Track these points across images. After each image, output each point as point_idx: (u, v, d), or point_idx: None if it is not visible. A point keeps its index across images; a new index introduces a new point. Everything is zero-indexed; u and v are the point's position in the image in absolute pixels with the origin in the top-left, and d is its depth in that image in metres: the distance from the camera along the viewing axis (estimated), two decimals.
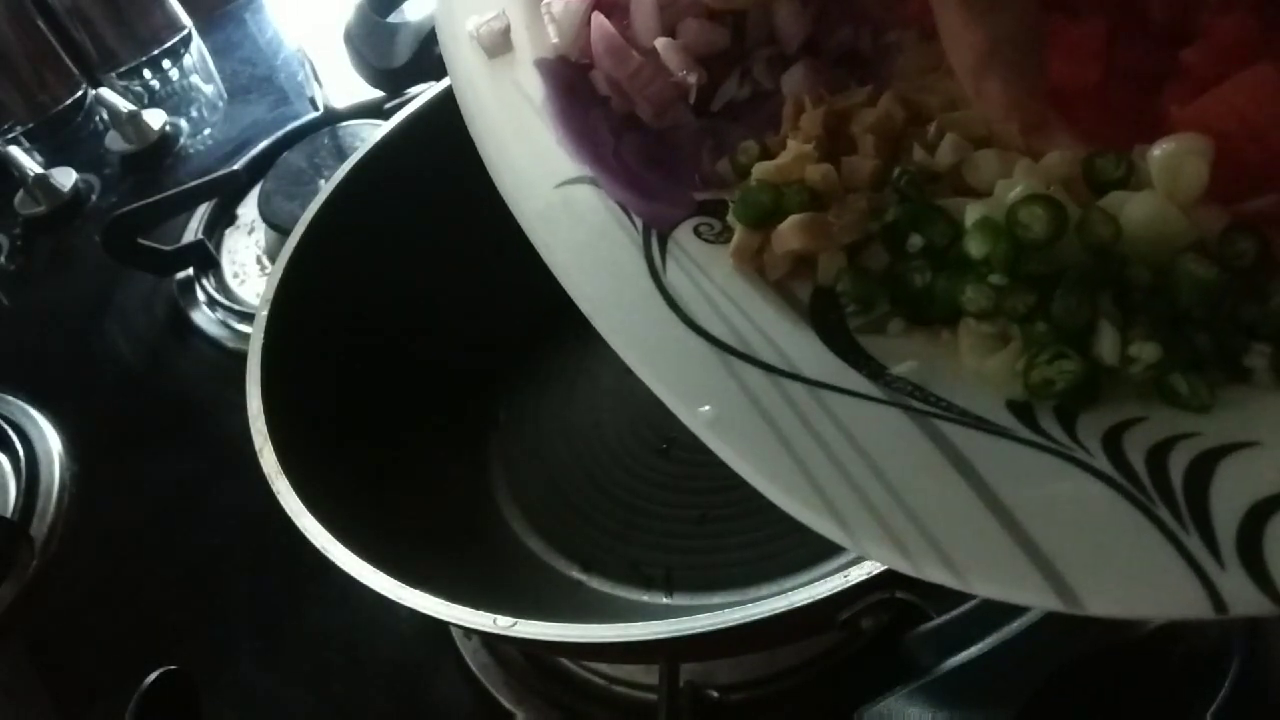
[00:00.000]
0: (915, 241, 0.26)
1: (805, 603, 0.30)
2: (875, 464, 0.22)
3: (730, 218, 0.28)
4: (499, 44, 0.34)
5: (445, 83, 0.55)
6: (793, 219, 0.26)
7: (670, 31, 0.32)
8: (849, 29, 0.31)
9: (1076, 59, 0.26)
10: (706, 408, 0.24)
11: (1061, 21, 0.27)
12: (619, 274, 0.27)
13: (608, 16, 0.32)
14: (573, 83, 0.32)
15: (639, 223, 0.28)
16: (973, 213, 0.24)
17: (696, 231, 0.29)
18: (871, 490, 0.21)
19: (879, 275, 0.26)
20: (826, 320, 0.26)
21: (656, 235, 0.28)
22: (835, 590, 0.30)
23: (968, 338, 0.24)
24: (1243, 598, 0.18)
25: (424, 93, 0.55)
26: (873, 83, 0.30)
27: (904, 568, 0.20)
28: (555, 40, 0.33)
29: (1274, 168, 0.23)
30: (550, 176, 0.30)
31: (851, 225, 0.26)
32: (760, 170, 0.28)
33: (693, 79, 0.31)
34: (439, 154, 0.54)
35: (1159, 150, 0.23)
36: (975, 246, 0.24)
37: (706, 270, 0.27)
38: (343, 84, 0.81)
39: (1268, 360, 0.22)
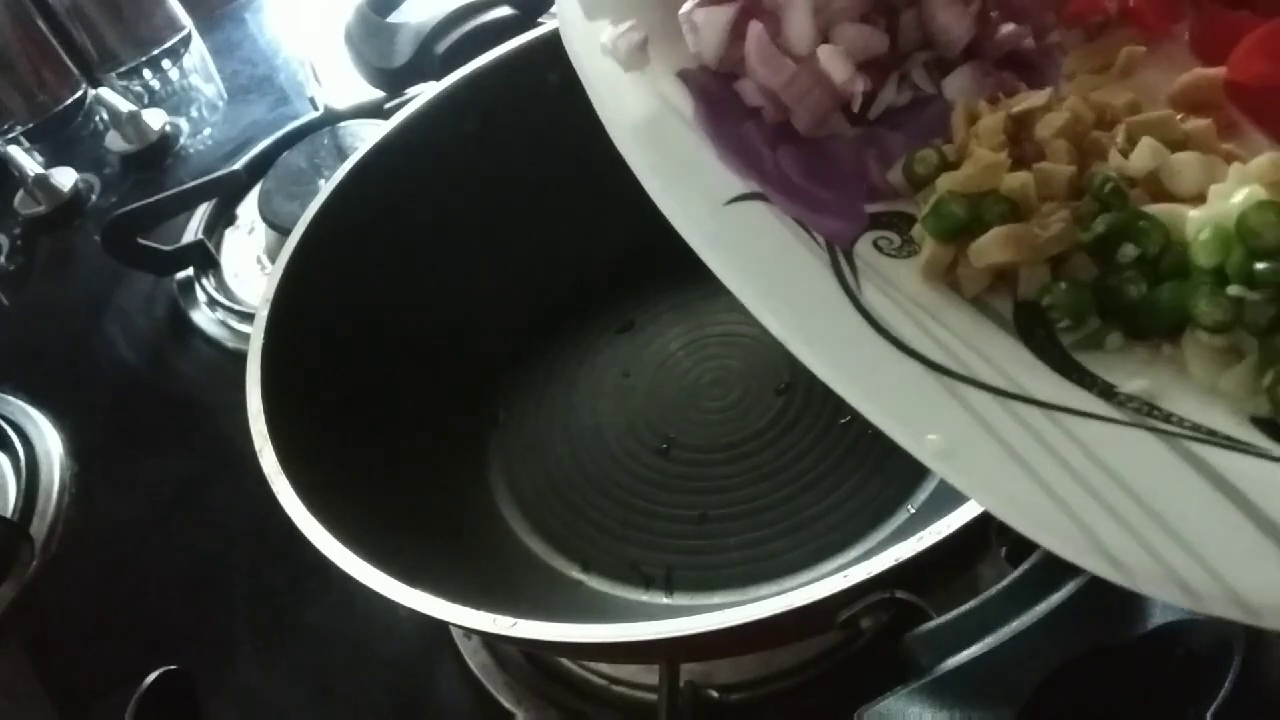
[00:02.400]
0: (1127, 251, 0.24)
1: (805, 603, 0.30)
2: (1134, 492, 0.20)
3: (917, 231, 0.27)
4: (637, 57, 0.32)
5: (445, 83, 0.55)
6: (996, 231, 0.25)
7: (824, 38, 0.30)
8: (1011, 29, 0.30)
9: (1265, 56, 0.25)
10: (935, 437, 0.22)
11: (1242, 18, 0.26)
12: (811, 294, 0.25)
13: (760, 22, 0.30)
14: (720, 94, 0.31)
15: (820, 239, 0.27)
16: (1196, 220, 0.23)
17: (876, 246, 0.27)
18: (1139, 523, 0.20)
19: (1090, 287, 0.25)
20: (1035, 337, 0.24)
21: (842, 252, 0.27)
22: (835, 590, 0.30)
23: (1197, 352, 0.23)
24: None
25: (424, 93, 0.55)
26: (1041, 85, 0.28)
27: (1193, 607, 0.19)
28: (697, 50, 0.31)
29: None
30: (716, 194, 0.28)
31: (1060, 236, 0.25)
32: (949, 181, 0.26)
33: (859, 86, 0.30)
34: (439, 154, 0.54)
35: None
36: (1205, 256, 0.23)
37: (898, 286, 0.26)
38: (343, 84, 0.81)
39: None
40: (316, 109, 0.83)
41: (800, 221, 0.27)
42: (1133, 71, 0.28)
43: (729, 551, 0.46)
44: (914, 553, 0.30)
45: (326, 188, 0.51)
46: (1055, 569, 0.29)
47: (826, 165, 0.30)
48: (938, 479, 0.45)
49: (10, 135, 0.98)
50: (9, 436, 0.67)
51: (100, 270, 0.78)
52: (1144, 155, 0.25)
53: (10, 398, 0.72)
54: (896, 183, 0.29)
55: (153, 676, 0.44)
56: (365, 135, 0.72)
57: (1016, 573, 0.30)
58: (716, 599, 0.44)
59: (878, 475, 0.46)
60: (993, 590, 0.29)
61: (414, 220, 0.53)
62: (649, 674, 0.43)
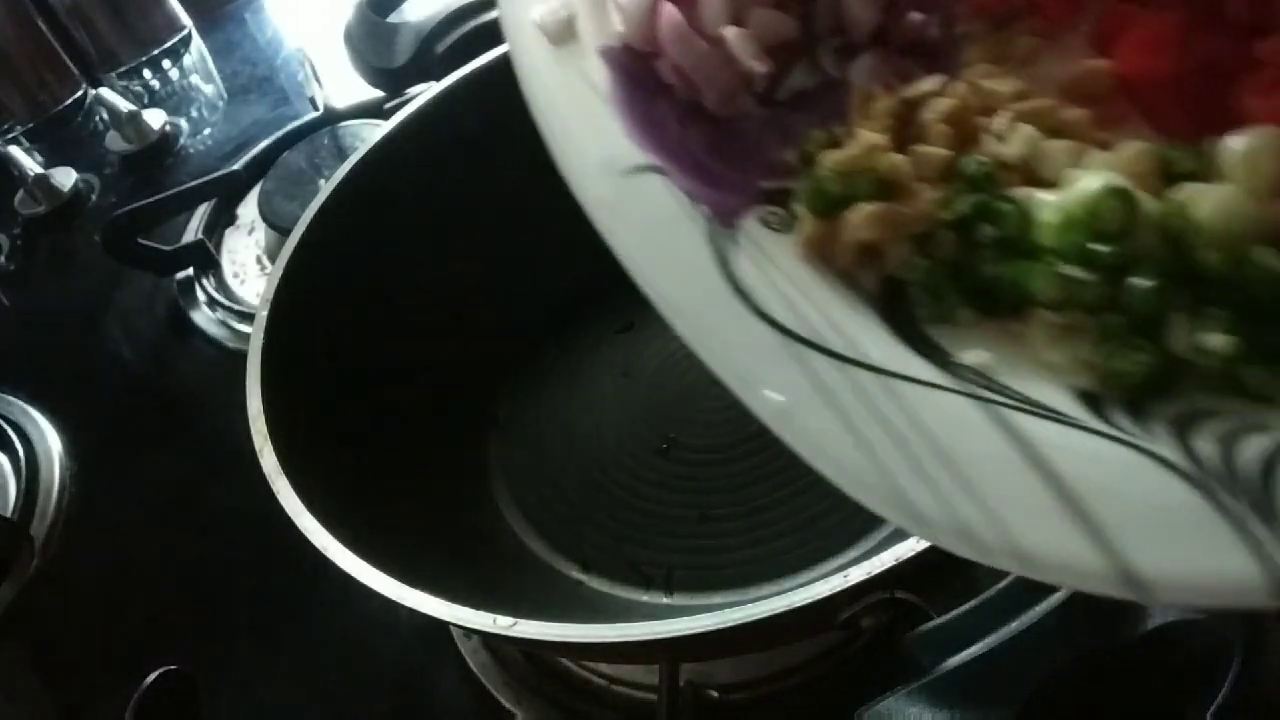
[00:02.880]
0: (986, 231, 0.25)
1: (805, 603, 0.30)
2: (945, 453, 0.22)
3: (797, 206, 0.28)
4: (564, 32, 0.33)
5: (445, 83, 0.55)
6: (862, 208, 0.26)
7: (738, 20, 0.31)
8: (918, 18, 0.31)
9: (1153, 50, 0.26)
10: (774, 395, 0.23)
11: (1135, 12, 0.27)
12: (686, 262, 0.27)
13: (675, 4, 0.32)
14: (638, 72, 0.32)
15: (705, 211, 0.28)
16: (1045, 203, 0.24)
17: (763, 221, 0.28)
18: (943, 481, 0.21)
19: (948, 265, 0.26)
20: (894, 310, 0.26)
21: (723, 224, 0.28)
22: (835, 590, 0.30)
23: (1038, 328, 0.24)
24: None
25: (424, 93, 0.55)
26: (942, 73, 0.30)
27: (976, 558, 0.21)
28: (620, 28, 0.33)
29: None
30: (616, 164, 0.30)
31: (922, 215, 0.26)
32: (830, 160, 0.28)
33: (760, 68, 0.31)
34: (439, 154, 0.54)
35: (1236, 143, 0.23)
36: (1049, 237, 0.24)
37: (773, 259, 0.27)
38: (343, 84, 0.81)
39: None
40: (316, 109, 0.83)
41: (688, 194, 0.29)
42: (1031, 62, 0.29)
43: (729, 551, 0.46)
44: (914, 553, 0.30)
45: (326, 188, 0.51)
46: None
47: (732, 143, 0.31)
48: None
49: (10, 135, 0.98)
50: (9, 436, 0.67)
51: (100, 270, 0.78)
52: (1017, 142, 0.26)
53: (10, 398, 0.72)
54: (791, 161, 0.30)
55: (153, 676, 0.44)
56: (365, 135, 0.72)
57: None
58: (716, 599, 0.44)
59: None
60: (993, 590, 0.30)
61: (414, 220, 0.53)
62: (649, 674, 0.43)
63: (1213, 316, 0.22)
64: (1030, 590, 0.29)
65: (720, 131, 0.31)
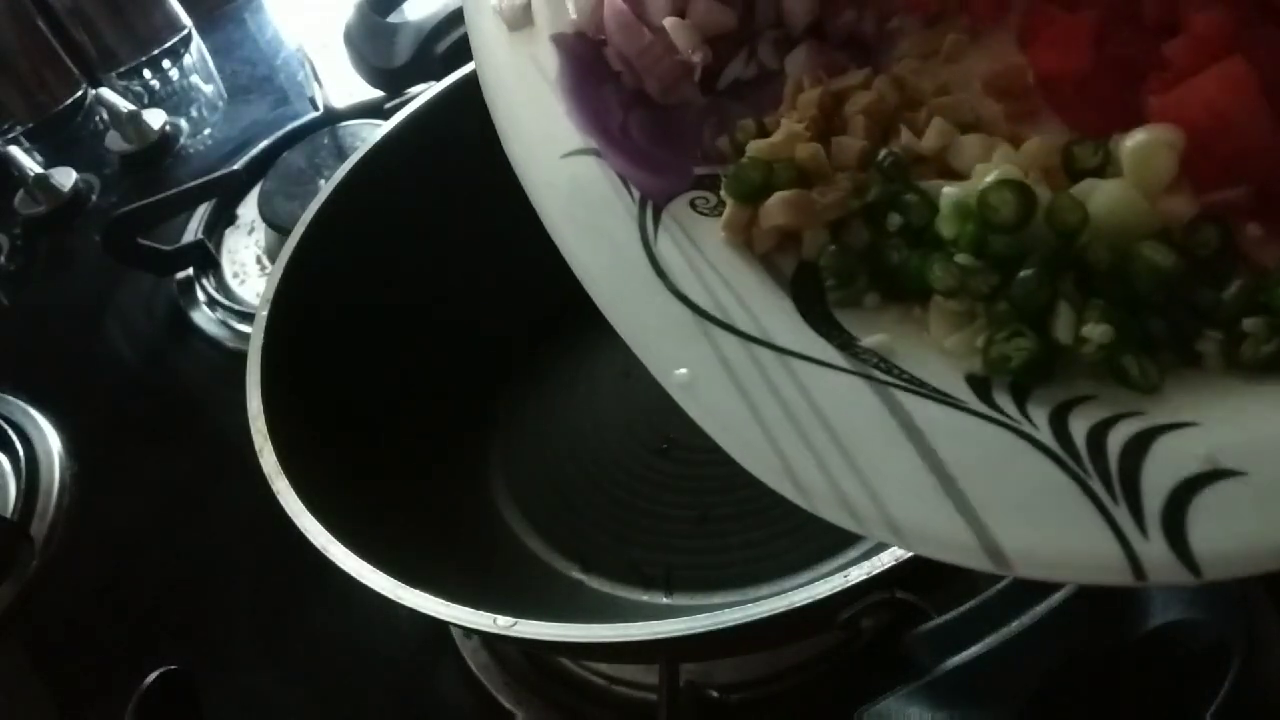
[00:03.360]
0: (894, 220, 0.26)
1: (805, 603, 0.30)
2: (834, 429, 0.23)
3: (723, 192, 0.29)
4: (520, 18, 0.35)
5: (445, 83, 0.55)
6: (779, 195, 0.27)
7: (680, 11, 0.33)
8: (853, 13, 0.32)
9: (1064, 48, 0.27)
10: (682, 370, 0.25)
11: (1057, 12, 0.28)
12: (612, 241, 0.28)
13: None
14: (587, 58, 0.33)
15: (636, 194, 0.29)
16: (948, 194, 0.25)
17: (692, 204, 0.30)
18: (829, 455, 0.22)
19: (859, 252, 0.27)
20: (806, 294, 0.27)
21: (652, 206, 0.29)
22: (835, 590, 0.30)
23: (936, 314, 0.25)
24: (1162, 566, 0.19)
25: (424, 93, 0.55)
26: (874, 67, 0.31)
27: (853, 528, 0.22)
28: (573, 16, 0.34)
29: (1243, 160, 0.24)
30: (557, 147, 0.31)
31: (835, 203, 0.27)
32: (753, 148, 0.29)
33: (698, 58, 0.32)
34: (439, 154, 0.54)
35: (1130, 139, 0.24)
36: (946, 227, 0.25)
37: (697, 242, 0.28)
38: (343, 84, 0.81)
39: (1218, 346, 0.23)
40: (316, 109, 0.83)
41: (622, 177, 0.30)
42: (957, 58, 0.30)
43: (729, 551, 0.46)
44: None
45: (326, 188, 0.51)
46: None
47: (671, 129, 0.33)
48: None
49: (10, 135, 0.98)
50: (9, 436, 0.67)
51: (100, 270, 0.78)
52: (932, 135, 0.27)
53: (10, 398, 0.72)
54: (723, 148, 0.31)
55: (153, 676, 0.44)
56: (365, 135, 0.72)
57: None
58: (716, 599, 0.44)
59: None
60: (993, 590, 0.30)
61: (414, 220, 0.53)
62: (649, 674, 0.43)
63: (1096, 307, 0.23)
64: (1030, 590, 0.29)
65: (661, 118, 0.33)
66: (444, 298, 0.54)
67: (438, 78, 0.56)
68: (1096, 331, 0.23)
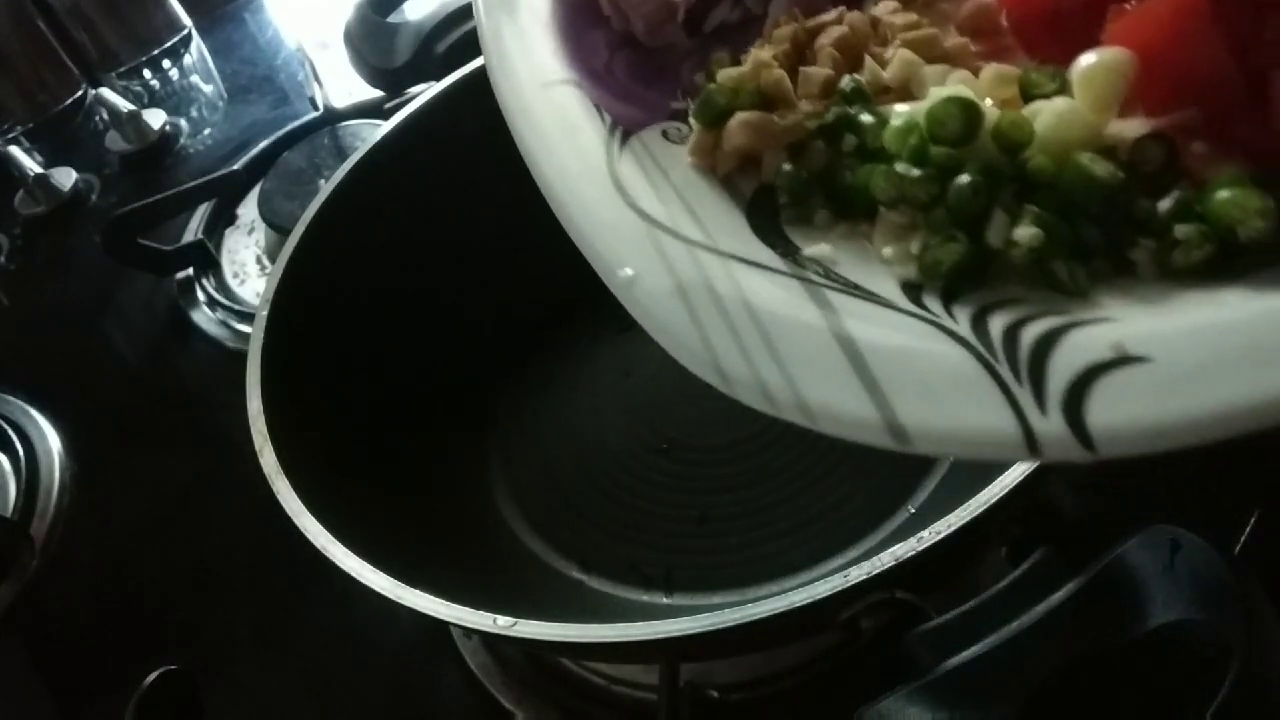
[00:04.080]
0: (850, 141, 0.27)
1: (805, 603, 0.30)
2: (761, 323, 0.24)
3: (690, 117, 0.30)
4: None
5: (445, 83, 0.55)
6: (739, 116, 0.28)
7: None
8: None
9: None
10: (627, 271, 0.26)
11: None
12: (578, 156, 0.29)
13: None
14: (578, 2, 0.35)
15: (609, 119, 0.31)
16: (899, 112, 0.27)
17: (664, 134, 0.31)
18: (754, 347, 0.24)
19: (815, 173, 0.28)
20: (760, 212, 0.28)
21: (621, 132, 0.31)
22: (835, 590, 0.30)
23: (880, 227, 0.26)
24: (1056, 442, 0.20)
25: (424, 93, 0.55)
26: (856, 7, 0.32)
27: (769, 411, 0.23)
28: None
29: (1193, 83, 0.24)
30: (539, 78, 0.32)
31: (793, 125, 0.28)
32: (722, 75, 0.30)
33: (686, 1, 0.33)
34: (439, 154, 0.54)
35: (1081, 61, 0.25)
36: (894, 142, 0.26)
37: (663, 165, 0.29)
38: (343, 84, 0.81)
39: (1150, 254, 0.23)
40: (316, 109, 0.83)
41: (598, 106, 0.31)
42: (935, 2, 0.31)
43: (729, 551, 0.46)
44: (914, 553, 0.30)
45: (326, 188, 0.51)
46: (1055, 569, 0.29)
47: (654, 69, 0.34)
48: (938, 479, 0.45)
49: (10, 135, 0.98)
50: (9, 436, 0.67)
51: (100, 270, 0.78)
52: (896, 66, 0.29)
53: (10, 398, 0.72)
54: (700, 83, 0.32)
55: (153, 676, 0.44)
56: (365, 135, 0.72)
57: (1016, 573, 0.30)
58: (716, 599, 0.44)
59: (878, 475, 0.46)
60: (993, 590, 0.30)
61: (414, 220, 0.53)
62: (649, 674, 0.43)
63: (1029, 213, 0.24)
64: (1030, 590, 0.29)
65: (645, 59, 0.34)
66: (444, 297, 0.54)
67: (438, 78, 0.56)
68: (1026, 234, 0.23)
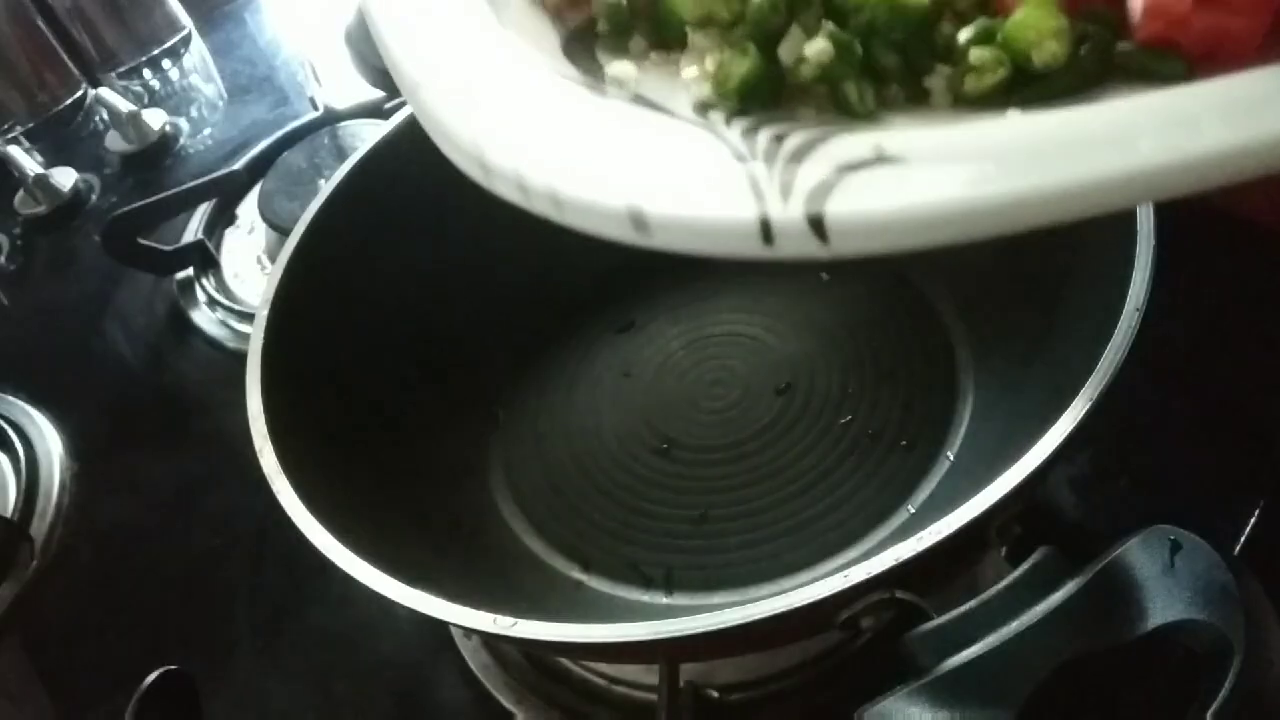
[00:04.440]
0: None
1: (805, 603, 0.30)
2: (534, 123, 0.25)
3: None
4: None
5: None
6: None
7: None
8: None
9: None
10: (424, 77, 0.27)
11: None
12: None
13: None
14: None
15: None
16: None
17: None
18: (523, 144, 0.24)
19: (636, 6, 0.28)
20: (580, 40, 0.29)
21: None
22: (835, 590, 0.30)
23: (688, 51, 0.27)
24: (791, 233, 0.20)
25: None
26: None
27: (521, 203, 0.24)
28: None
29: None
30: None
31: None
32: None
33: None
34: (439, 154, 0.54)
35: None
36: None
37: (505, 4, 0.30)
38: (343, 84, 0.81)
39: (945, 82, 0.23)
40: (316, 109, 0.83)
41: None
42: None
43: (729, 551, 0.46)
44: (914, 553, 0.30)
45: (326, 188, 0.51)
46: (1055, 569, 0.29)
47: None
48: (938, 479, 0.45)
49: (10, 135, 0.98)
50: (9, 436, 0.67)
51: (100, 270, 0.78)
52: None
53: (10, 398, 0.71)
54: None
55: (153, 676, 0.44)
56: (365, 135, 0.72)
57: (1016, 573, 0.30)
58: (716, 599, 0.44)
59: (878, 475, 0.46)
60: (993, 590, 0.30)
61: (414, 220, 0.53)
62: (649, 674, 0.43)
63: (824, 30, 0.24)
64: (1030, 590, 0.29)
65: None
66: (444, 298, 0.54)
67: None
68: (815, 49, 0.23)
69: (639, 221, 0.22)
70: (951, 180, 0.20)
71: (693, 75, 0.26)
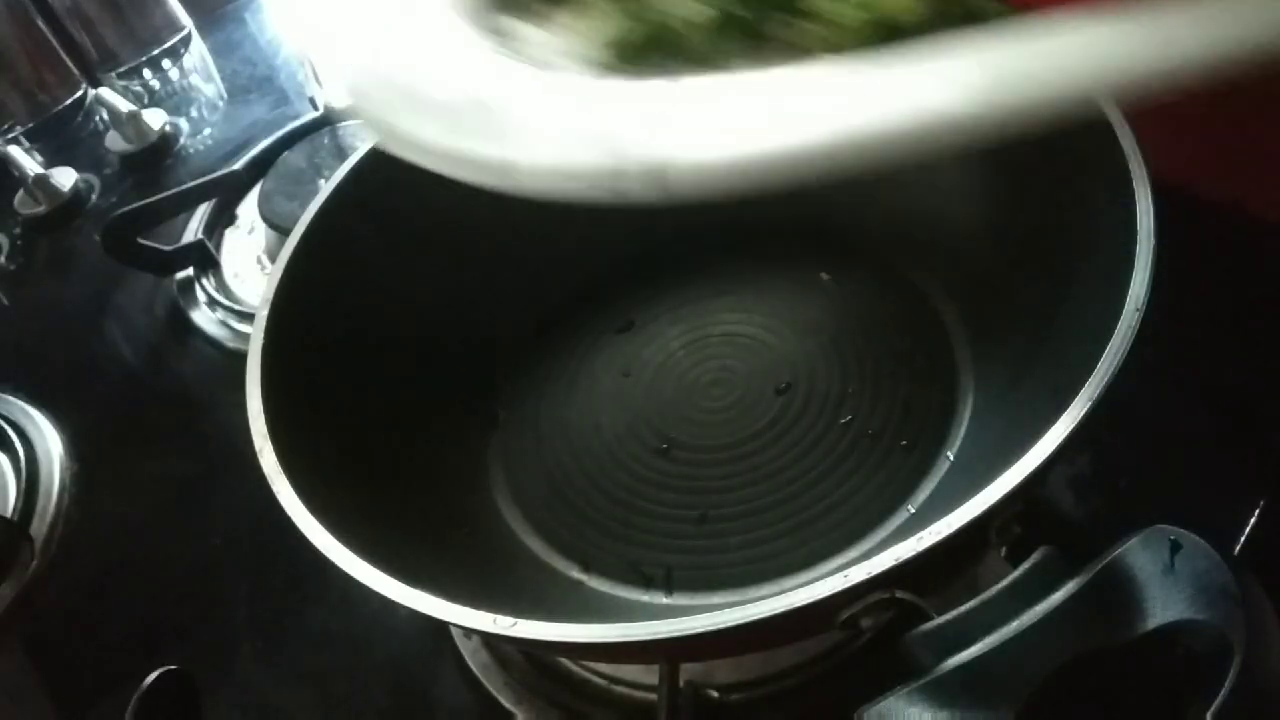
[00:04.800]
0: None
1: (805, 603, 0.30)
2: (411, 70, 0.27)
3: None
4: None
5: None
6: None
7: None
8: None
9: None
10: (343, 47, 0.29)
11: None
12: None
13: None
14: None
15: None
16: None
17: None
18: (419, 101, 0.26)
19: None
20: (484, 6, 0.31)
21: None
22: (835, 590, 0.30)
23: (585, 13, 0.29)
24: (640, 177, 0.23)
25: None
26: None
27: (409, 156, 0.26)
28: None
29: None
30: None
31: None
32: None
33: None
34: None
35: None
36: None
37: None
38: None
39: (805, 36, 0.25)
40: (316, 109, 0.83)
41: None
42: None
43: (729, 551, 0.46)
44: (914, 553, 0.30)
45: (326, 188, 0.51)
46: (1055, 569, 0.29)
47: None
48: (938, 479, 0.45)
49: (10, 135, 0.98)
50: (9, 436, 0.67)
51: (100, 270, 0.78)
52: None
53: (10, 398, 0.71)
54: None
55: (153, 676, 0.44)
56: (365, 135, 0.72)
57: (1016, 573, 0.30)
58: (716, 599, 0.44)
59: (878, 475, 0.46)
60: (993, 590, 0.30)
61: (414, 220, 0.53)
62: (649, 674, 0.43)
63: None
64: (1030, 590, 0.29)
65: None
66: (444, 298, 0.54)
67: None
68: (688, 9, 0.25)
69: (508, 169, 0.24)
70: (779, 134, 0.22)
71: (579, 31, 0.28)
